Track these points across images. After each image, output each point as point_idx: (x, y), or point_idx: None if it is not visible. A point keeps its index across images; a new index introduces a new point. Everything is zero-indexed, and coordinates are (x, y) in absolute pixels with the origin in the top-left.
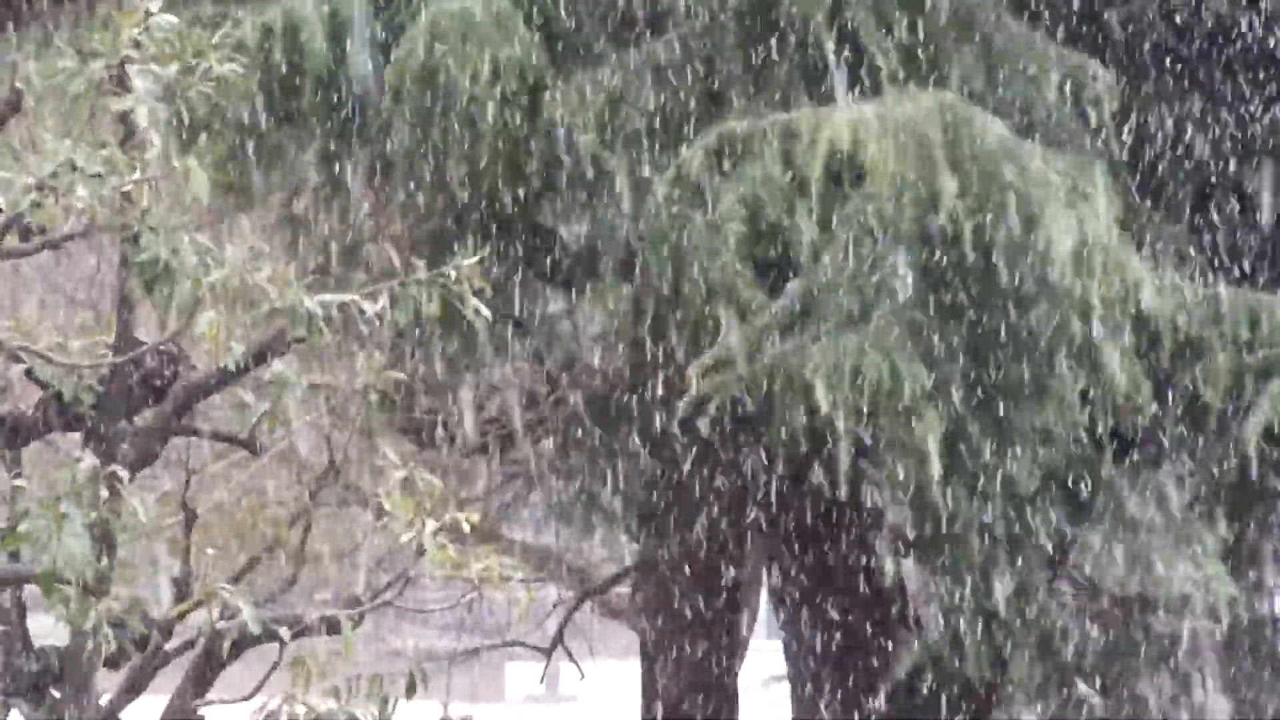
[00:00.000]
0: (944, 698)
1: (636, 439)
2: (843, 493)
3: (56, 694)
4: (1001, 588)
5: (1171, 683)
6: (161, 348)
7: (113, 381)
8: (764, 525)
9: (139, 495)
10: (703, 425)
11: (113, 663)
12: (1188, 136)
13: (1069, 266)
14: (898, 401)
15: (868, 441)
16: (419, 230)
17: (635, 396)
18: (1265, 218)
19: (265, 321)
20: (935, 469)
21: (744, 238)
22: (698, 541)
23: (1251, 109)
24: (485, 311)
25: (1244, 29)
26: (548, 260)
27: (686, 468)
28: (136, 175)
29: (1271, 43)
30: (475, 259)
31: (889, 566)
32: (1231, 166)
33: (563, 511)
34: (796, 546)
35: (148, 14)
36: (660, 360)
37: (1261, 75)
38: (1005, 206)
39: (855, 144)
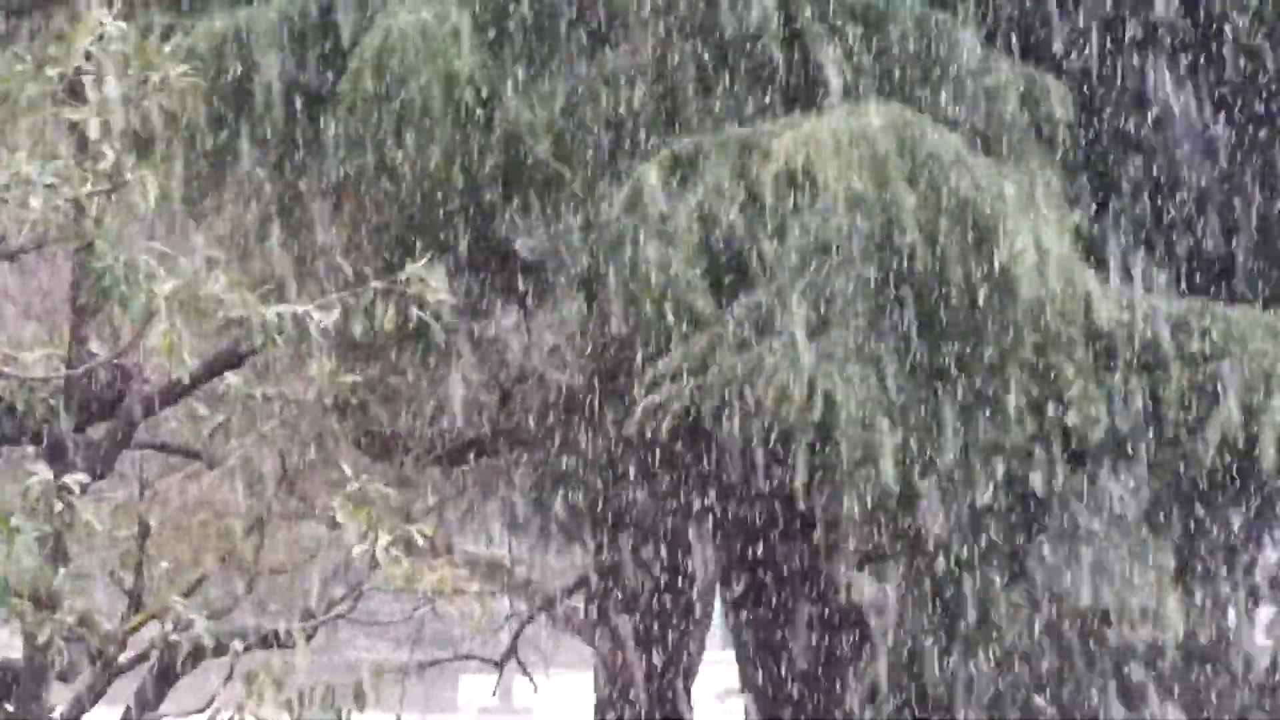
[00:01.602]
0: (902, 710)
1: (591, 451)
2: (800, 505)
3: (10, 707)
4: (958, 600)
5: (1126, 696)
6: (115, 360)
7: (66, 394)
8: (719, 537)
9: (93, 508)
10: (658, 437)
11: (66, 676)
12: (1141, 149)
13: (1024, 280)
14: (854, 414)
15: (825, 454)
16: (373, 242)
17: (590, 408)
18: (1219, 229)
19: (220, 332)
20: (890, 482)
21: (698, 251)
22: (652, 554)
23: (1205, 120)
24: (449, 298)
25: (1194, 39)
26: (502, 272)
27: (641, 480)
28: (90, 186)
29: (1223, 49)
30: (425, 260)
31: (845, 579)
32: (1185, 179)
33: (517, 524)
34: (752, 559)
35: (101, 24)
36: (615, 372)
37: (1215, 86)
38: (960, 220)
39: (810, 158)
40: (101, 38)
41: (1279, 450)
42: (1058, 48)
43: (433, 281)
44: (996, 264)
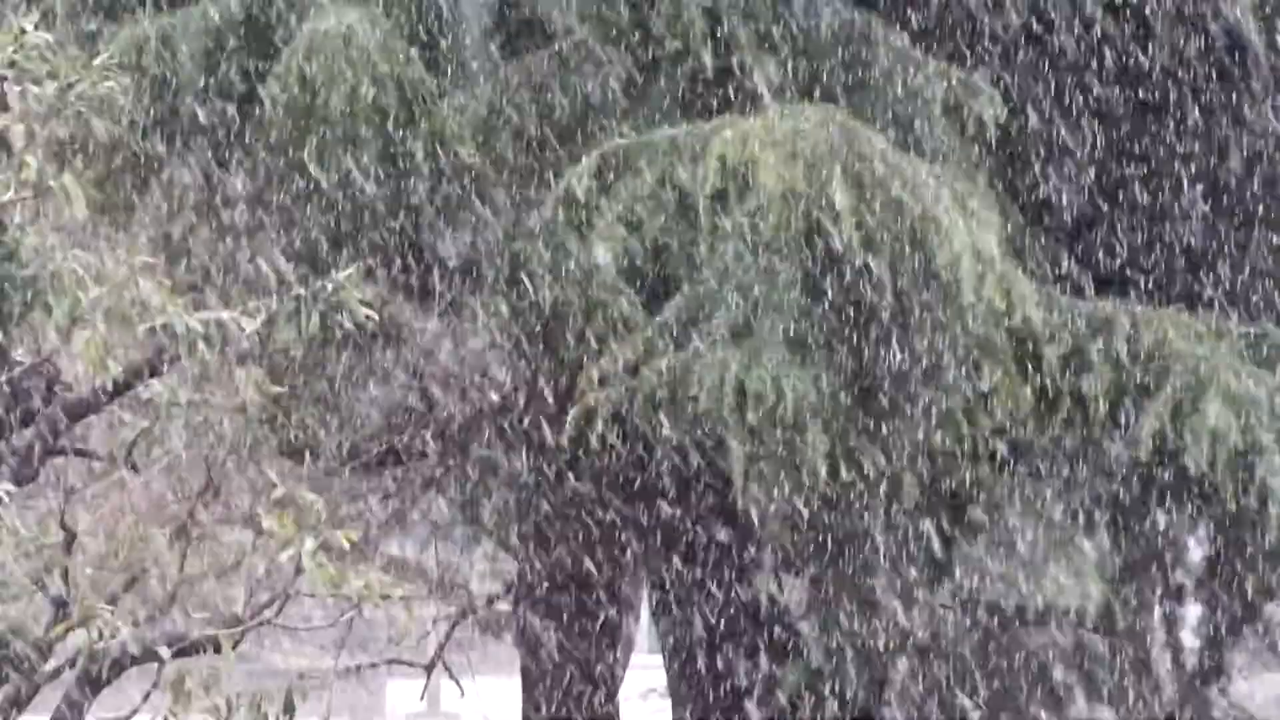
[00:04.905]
0: (824, 711)
1: (517, 455)
2: (726, 507)
3: None
4: (883, 601)
5: (1051, 695)
6: (39, 367)
7: None
8: (646, 539)
9: (18, 515)
10: (586, 441)
11: None
12: (1070, 150)
13: (954, 281)
14: (782, 416)
15: (754, 455)
16: (298, 248)
17: (516, 413)
18: (1147, 230)
19: (145, 340)
20: (820, 483)
21: (624, 254)
22: (579, 556)
23: (1133, 122)
24: (372, 315)
25: (1123, 42)
26: (428, 277)
27: (567, 482)
28: (11, 194)
29: (1149, 54)
30: (351, 269)
31: (770, 580)
32: (1113, 180)
33: (443, 528)
34: (678, 561)
35: (22, 32)
36: (541, 377)
37: (1141, 88)
38: (891, 221)
39: (745, 158)
40: (23, 46)
41: (1209, 454)
42: (985, 49)
43: (355, 292)
44: (933, 266)
